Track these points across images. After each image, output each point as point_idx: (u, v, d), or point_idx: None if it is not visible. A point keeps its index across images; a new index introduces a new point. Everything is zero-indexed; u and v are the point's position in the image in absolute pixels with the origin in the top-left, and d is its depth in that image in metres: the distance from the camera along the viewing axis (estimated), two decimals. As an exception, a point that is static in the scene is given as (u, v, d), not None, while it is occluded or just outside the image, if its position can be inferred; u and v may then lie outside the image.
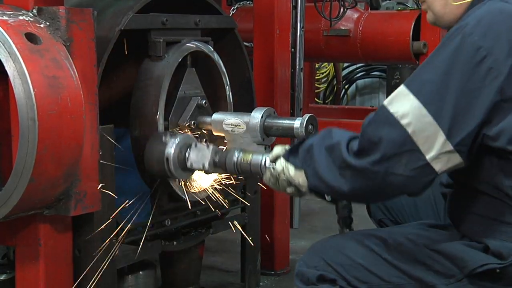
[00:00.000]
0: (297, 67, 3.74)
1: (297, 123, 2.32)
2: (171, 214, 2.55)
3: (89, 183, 2.07)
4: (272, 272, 3.32)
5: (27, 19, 1.98)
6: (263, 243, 3.05)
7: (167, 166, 2.29)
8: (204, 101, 2.56)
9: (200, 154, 2.25)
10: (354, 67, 7.62)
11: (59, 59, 1.96)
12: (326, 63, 7.38)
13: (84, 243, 2.19)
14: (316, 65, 6.85)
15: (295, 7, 3.70)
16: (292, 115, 3.65)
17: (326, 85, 7.73)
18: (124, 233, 2.34)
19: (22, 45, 1.89)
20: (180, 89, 2.50)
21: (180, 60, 2.48)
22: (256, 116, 2.35)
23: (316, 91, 7.13)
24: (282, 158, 1.90)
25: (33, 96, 1.86)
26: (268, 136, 2.38)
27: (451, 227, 1.87)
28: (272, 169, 1.93)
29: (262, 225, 3.02)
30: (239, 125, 2.36)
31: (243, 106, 2.82)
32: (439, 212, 2.12)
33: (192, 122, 2.50)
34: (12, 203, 1.92)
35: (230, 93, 2.72)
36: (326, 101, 7.61)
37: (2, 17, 1.92)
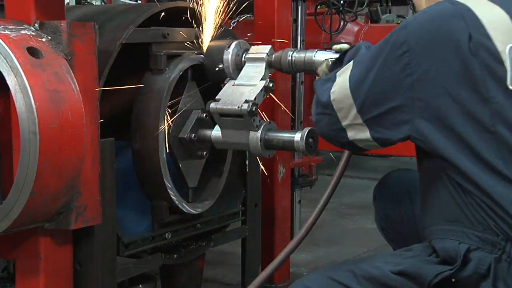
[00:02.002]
0: (298, 80, 3.75)
1: (297, 136, 2.32)
2: (171, 227, 2.55)
3: (89, 196, 2.07)
4: (273, 285, 3.31)
5: (29, 33, 1.99)
6: (263, 256, 3.05)
7: (226, 69, 2.44)
8: (204, 114, 2.57)
9: (256, 55, 2.39)
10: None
11: (61, 73, 1.97)
12: (326, 76, 7.38)
13: (84, 256, 2.19)
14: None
15: (295, 20, 3.71)
16: (293, 128, 3.65)
17: (326, 97, 7.71)
18: (124, 247, 2.34)
19: (23, 59, 1.90)
20: (181, 102, 2.51)
21: (181, 73, 2.50)
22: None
23: (316, 103, 7.11)
24: (327, 68, 2.15)
25: (35, 110, 1.87)
26: (269, 149, 2.39)
27: (416, 247, 1.87)
28: (328, 63, 2.17)
29: (263, 238, 3.01)
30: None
31: (244, 119, 2.82)
32: None
33: (193, 135, 2.51)
34: (13, 216, 1.92)
35: (231, 106, 2.73)
36: (327, 114, 7.60)
37: (4, 31, 1.94)
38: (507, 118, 1.64)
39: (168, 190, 2.45)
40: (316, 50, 2.30)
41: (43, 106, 1.89)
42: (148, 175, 2.46)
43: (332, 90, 1.84)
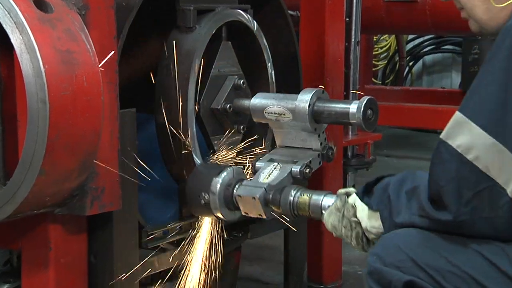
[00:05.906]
0: (353, 40, 3.75)
1: (353, 107, 2.32)
2: (202, 214, 2.58)
3: (107, 178, 2.11)
4: (321, 286, 3.33)
5: (36, -17, 2.02)
6: (310, 251, 3.07)
7: (211, 205, 2.31)
8: (241, 81, 2.59)
9: (249, 190, 2.27)
10: (421, 40, 7.58)
11: (74, 30, 2.00)
12: (386, 36, 7.34)
13: (100, 247, 2.23)
14: (374, 38, 6.81)
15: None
16: (346, 97, 3.65)
17: (386, 62, 7.70)
18: (147, 237, 2.38)
19: (30, 13, 1.92)
20: (213, 66, 2.53)
21: (213, 32, 2.51)
22: (304, 99, 2.37)
23: (374, 69, 7.10)
24: (356, 196, 1.99)
25: (44, 74, 1.90)
26: (319, 123, 2.39)
27: None
28: (338, 203, 2.02)
29: (309, 229, 3.03)
30: (284, 114, 2.37)
31: (288, 86, 2.83)
32: None
33: (228, 106, 2.53)
34: (19, 199, 1.96)
35: (273, 72, 2.74)
36: (386, 82, 7.59)
37: (8, -19, 1.97)
38: None
39: (199, 170, 2.47)
40: (325, 193, 2.19)
41: (53, 70, 1.91)
42: (175, 153, 2.48)
43: (470, 158, 1.65)
